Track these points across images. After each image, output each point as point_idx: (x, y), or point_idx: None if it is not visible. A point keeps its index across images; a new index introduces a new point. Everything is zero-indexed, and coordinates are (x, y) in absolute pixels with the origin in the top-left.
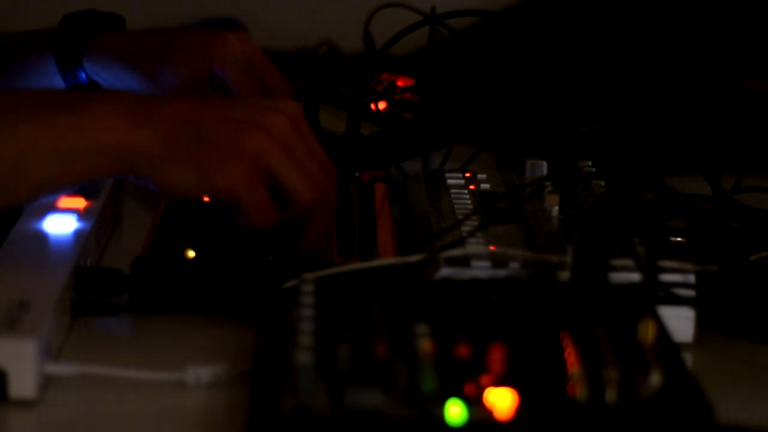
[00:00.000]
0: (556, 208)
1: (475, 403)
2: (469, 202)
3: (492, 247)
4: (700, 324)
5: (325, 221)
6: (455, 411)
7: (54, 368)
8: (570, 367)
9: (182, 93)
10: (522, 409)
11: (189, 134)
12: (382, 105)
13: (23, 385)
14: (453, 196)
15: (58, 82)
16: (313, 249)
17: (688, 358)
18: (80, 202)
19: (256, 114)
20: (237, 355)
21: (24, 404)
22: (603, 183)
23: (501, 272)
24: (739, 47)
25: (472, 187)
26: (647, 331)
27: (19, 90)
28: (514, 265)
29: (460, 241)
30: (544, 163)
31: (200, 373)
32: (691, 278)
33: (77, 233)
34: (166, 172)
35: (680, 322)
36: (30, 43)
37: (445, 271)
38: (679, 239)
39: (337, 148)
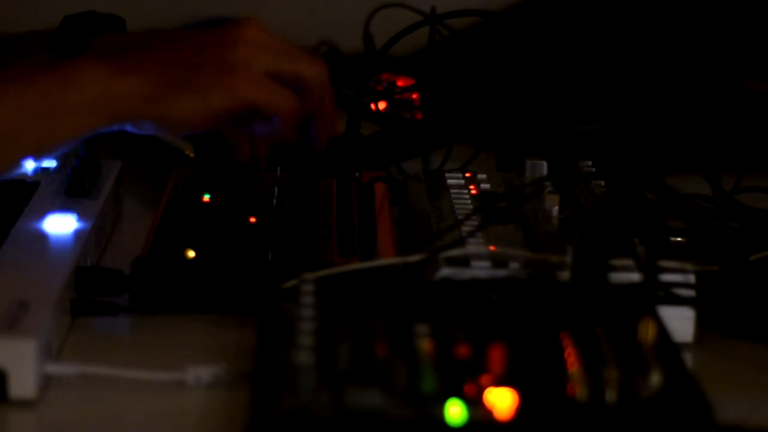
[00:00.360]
0: (556, 208)
1: (475, 403)
2: (469, 202)
3: (492, 247)
4: (700, 324)
5: (333, 103)
6: (455, 411)
7: (54, 368)
8: (570, 367)
9: None
10: (522, 409)
11: (176, 68)
12: (382, 105)
13: (23, 385)
14: (453, 196)
15: None
16: (332, 135)
17: (688, 358)
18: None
19: (228, 31)
20: (237, 355)
21: (24, 404)
22: (603, 183)
23: (501, 272)
24: (739, 47)
25: (471, 187)
26: (647, 331)
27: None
28: (514, 265)
29: (460, 241)
30: (544, 163)
31: (200, 373)
32: (691, 278)
33: (77, 233)
34: (168, 107)
35: (680, 322)
36: (30, 44)
37: (445, 271)
38: (679, 239)
39: (337, 148)
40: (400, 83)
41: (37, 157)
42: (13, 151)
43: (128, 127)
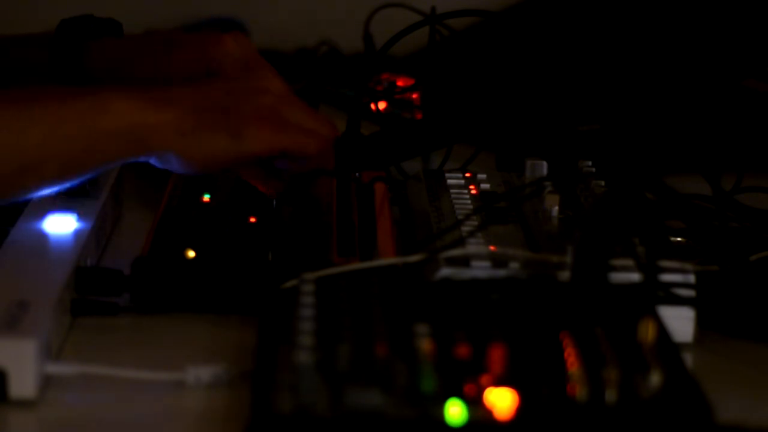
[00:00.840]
0: (556, 208)
1: (475, 403)
2: (469, 202)
3: (492, 247)
4: (700, 324)
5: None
6: (455, 411)
7: (54, 368)
8: (570, 367)
9: None
10: (522, 409)
11: (209, 108)
12: (382, 105)
13: (23, 385)
14: (453, 196)
15: None
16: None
17: (688, 358)
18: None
19: (253, 82)
20: (237, 355)
21: (24, 404)
22: (603, 183)
23: (501, 272)
24: (739, 47)
25: (471, 187)
26: (647, 331)
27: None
28: (514, 265)
29: (460, 241)
30: (544, 163)
31: (200, 373)
32: (691, 278)
33: (77, 233)
34: (201, 144)
35: (680, 322)
36: (27, 47)
37: (445, 271)
38: (679, 239)
39: (337, 148)
40: (400, 83)
41: (62, 181)
42: (42, 173)
43: (153, 161)
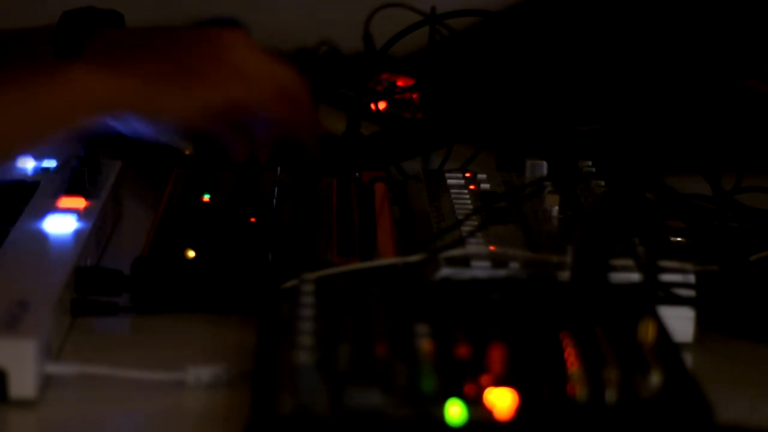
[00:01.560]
0: (556, 208)
1: (475, 403)
2: (469, 202)
3: (492, 247)
4: (700, 324)
5: (303, 118)
6: (455, 411)
7: (54, 368)
8: (570, 367)
9: None
10: (522, 409)
11: (167, 65)
12: (382, 105)
13: (23, 385)
14: (453, 196)
15: None
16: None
17: (688, 358)
18: (80, 202)
19: (221, 34)
20: (237, 355)
21: (24, 404)
22: (603, 183)
23: (501, 272)
24: (739, 47)
25: (472, 187)
26: (647, 331)
27: None
28: (514, 265)
29: (460, 241)
30: (544, 163)
31: (200, 373)
32: (691, 278)
33: (77, 233)
34: (159, 101)
35: (680, 322)
36: (29, 41)
37: (445, 271)
38: (679, 239)
39: (337, 148)
40: (400, 83)
41: (30, 151)
42: (7, 149)
43: (119, 126)
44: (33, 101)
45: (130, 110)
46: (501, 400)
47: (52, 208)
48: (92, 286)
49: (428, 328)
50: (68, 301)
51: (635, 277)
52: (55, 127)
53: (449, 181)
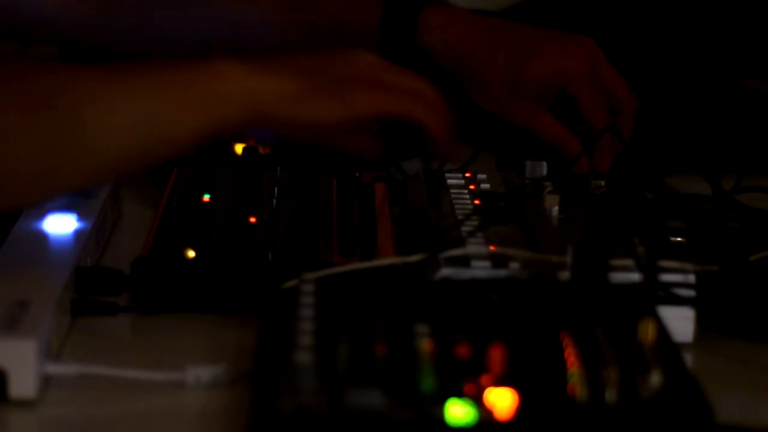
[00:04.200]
0: (556, 208)
1: (475, 403)
2: (469, 202)
3: (492, 247)
4: (700, 324)
5: (442, 122)
6: (455, 411)
7: (54, 368)
8: (570, 367)
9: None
10: (522, 409)
11: (316, 76)
12: None
13: (23, 385)
14: (453, 196)
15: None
16: (448, 150)
17: (688, 358)
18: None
19: (355, 53)
20: (237, 355)
21: (24, 404)
22: (603, 183)
23: (501, 272)
24: (739, 47)
25: (472, 187)
26: (647, 331)
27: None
28: (514, 265)
29: (460, 241)
30: (544, 163)
31: (200, 373)
32: (691, 278)
33: (77, 233)
34: (311, 106)
35: (680, 322)
36: (355, 7)
37: (445, 271)
38: (679, 239)
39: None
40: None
41: (187, 147)
42: (169, 139)
43: (259, 128)
44: (190, 90)
45: (280, 111)
46: (501, 400)
47: (52, 208)
48: (92, 286)
49: (428, 328)
50: (68, 301)
51: (635, 277)
52: (211, 120)
53: (449, 181)
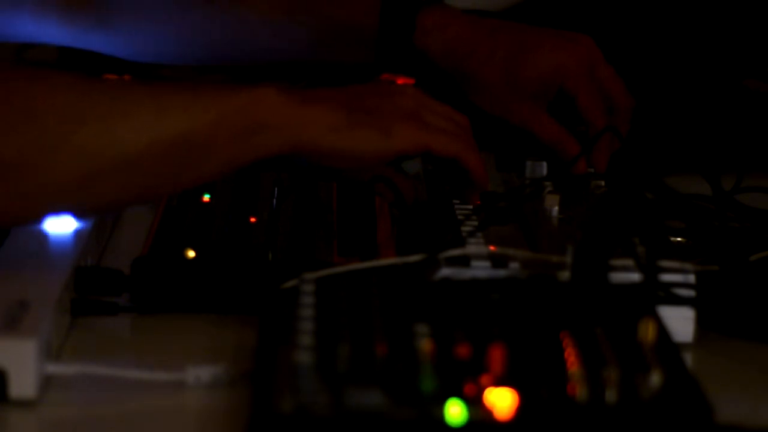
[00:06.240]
0: (556, 208)
1: (475, 403)
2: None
3: (492, 247)
4: (700, 324)
5: (478, 158)
6: (455, 411)
7: (54, 368)
8: (570, 367)
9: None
10: (522, 409)
11: (358, 107)
12: None
13: (23, 385)
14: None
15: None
16: (483, 183)
17: (688, 358)
18: None
19: (394, 86)
20: (237, 355)
21: (24, 404)
22: (603, 183)
23: (501, 272)
24: (739, 47)
25: None
26: (647, 331)
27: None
28: (514, 265)
29: (460, 241)
30: (544, 163)
31: (200, 373)
32: (691, 278)
33: (77, 233)
34: (354, 140)
35: (680, 322)
36: (354, 7)
37: (445, 271)
38: (679, 239)
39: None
40: (400, 83)
41: (225, 173)
42: (204, 162)
43: (298, 156)
44: (238, 115)
45: (322, 142)
46: (501, 400)
47: None
48: (92, 285)
49: (428, 328)
50: (68, 301)
51: (635, 277)
52: (254, 147)
53: None
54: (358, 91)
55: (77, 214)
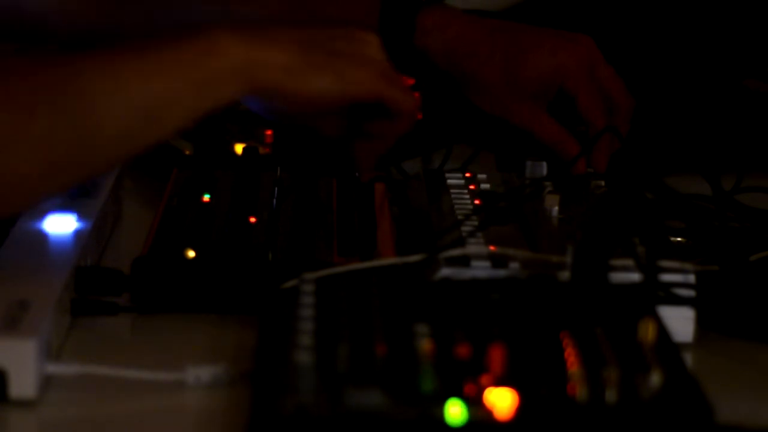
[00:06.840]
0: (556, 208)
1: (475, 403)
2: (469, 202)
3: (492, 247)
4: (700, 324)
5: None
6: (455, 411)
7: (54, 368)
8: (570, 367)
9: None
10: (522, 409)
11: (314, 48)
12: None
13: (23, 385)
14: (453, 196)
15: None
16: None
17: (688, 358)
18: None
19: (358, 31)
20: (237, 355)
21: (24, 404)
22: (603, 183)
23: (501, 272)
24: (739, 47)
25: (472, 187)
26: (647, 331)
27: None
28: (514, 265)
29: (460, 241)
30: (544, 163)
31: (200, 373)
32: (691, 278)
33: (77, 233)
34: (306, 82)
35: (680, 322)
36: (355, 5)
37: (445, 271)
38: (679, 239)
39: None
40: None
41: (185, 127)
42: (167, 120)
43: (252, 104)
44: (192, 67)
45: (276, 85)
46: (501, 400)
47: (52, 208)
48: (92, 285)
49: (428, 328)
50: (68, 301)
51: (635, 277)
52: (212, 97)
53: (449, 181)
54: (321, 32)
55: (48, 199)
